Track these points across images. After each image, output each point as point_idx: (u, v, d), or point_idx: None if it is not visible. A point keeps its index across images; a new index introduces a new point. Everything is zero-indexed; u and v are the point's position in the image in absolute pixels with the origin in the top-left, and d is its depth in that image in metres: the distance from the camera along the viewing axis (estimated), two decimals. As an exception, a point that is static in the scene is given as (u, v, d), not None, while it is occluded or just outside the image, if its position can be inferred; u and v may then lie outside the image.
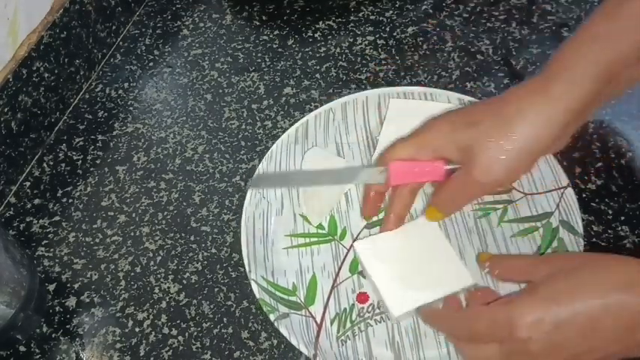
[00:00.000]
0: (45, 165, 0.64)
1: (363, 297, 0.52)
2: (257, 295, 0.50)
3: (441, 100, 0.60)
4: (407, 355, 0.49)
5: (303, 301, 0.52)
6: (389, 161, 0.50)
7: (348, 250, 0.54)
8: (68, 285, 0.56)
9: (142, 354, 0.52)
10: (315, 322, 0.51)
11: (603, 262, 0.42)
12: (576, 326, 0.39)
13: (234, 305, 0.54)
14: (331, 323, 0.51)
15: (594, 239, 0.54)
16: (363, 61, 0.68)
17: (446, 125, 0.48)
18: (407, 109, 0.58)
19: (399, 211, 0.52)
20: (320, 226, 0.56)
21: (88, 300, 0.55)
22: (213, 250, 0.57)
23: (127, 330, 0.53)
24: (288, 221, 0.56)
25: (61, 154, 0.64)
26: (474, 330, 0.42)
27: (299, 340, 0.48)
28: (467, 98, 0.59)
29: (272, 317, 0.49)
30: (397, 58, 0.68)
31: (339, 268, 0.54)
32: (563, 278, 0.41)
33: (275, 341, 0.51)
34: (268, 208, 0.56)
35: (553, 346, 0.39)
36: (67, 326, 0.53)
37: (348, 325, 0.51)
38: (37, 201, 0.61)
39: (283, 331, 0.48)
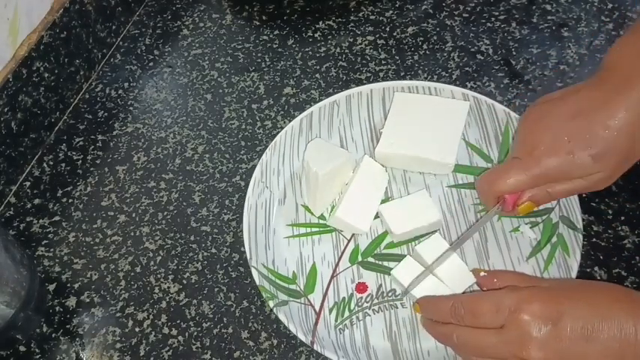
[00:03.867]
0: (45, 165, 0.63)
1: (362, 287, 0.52)
2: (257, 282, 0.50)
3: (445, 95, 0.60)
4: (403, 346, 0.49)
5: (302, 289, 0.52)
6: (498, 195, 0.49)
7: (349, 241, 0.55)
8: (68, 285, 0.56)
9: (142, 354, 0.52)
10: (314, 310, 0.51)
11: (598, 284, 0.47)
12: (575, 327, 0.39)
13: (234, 305, 0.54)
14: (330, 312, 0.51)
15: (594, 239, 0.54)
16: (363, 61, 0.68)
17: (558, 146, 0.46)
18: (411, 102, 0.58)
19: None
20: (322, 217, 0.56)
21: (88, 300, 0.55)
22: (213, 250, 0.57)
23: (127, 330, 0.53)
24: (290, 211, 0.57)
25: (61, 154, 0.64)
26: (479, 309, 0.42)
27: (297, 327, 0.48)
28: (470, 93, 0.59)
29: (271, 304, 0.49)
30: (397, 58, 0.68)
31: (339, 258, 0.54)
32: (568, 284, 0.45)
33: (275, 341, 0.51)
34: (271, 197, 0.57)
35: (551, 338, 0.39)
36: (67, 326, 0.53)
37: (347, 314, 0.51)
38: (37, 201, 0.61)
39: (282, 317, 0.49)
